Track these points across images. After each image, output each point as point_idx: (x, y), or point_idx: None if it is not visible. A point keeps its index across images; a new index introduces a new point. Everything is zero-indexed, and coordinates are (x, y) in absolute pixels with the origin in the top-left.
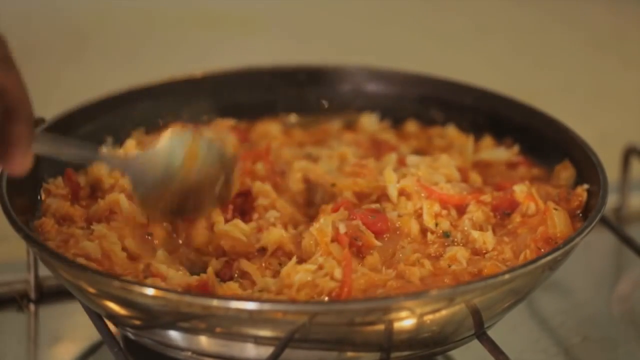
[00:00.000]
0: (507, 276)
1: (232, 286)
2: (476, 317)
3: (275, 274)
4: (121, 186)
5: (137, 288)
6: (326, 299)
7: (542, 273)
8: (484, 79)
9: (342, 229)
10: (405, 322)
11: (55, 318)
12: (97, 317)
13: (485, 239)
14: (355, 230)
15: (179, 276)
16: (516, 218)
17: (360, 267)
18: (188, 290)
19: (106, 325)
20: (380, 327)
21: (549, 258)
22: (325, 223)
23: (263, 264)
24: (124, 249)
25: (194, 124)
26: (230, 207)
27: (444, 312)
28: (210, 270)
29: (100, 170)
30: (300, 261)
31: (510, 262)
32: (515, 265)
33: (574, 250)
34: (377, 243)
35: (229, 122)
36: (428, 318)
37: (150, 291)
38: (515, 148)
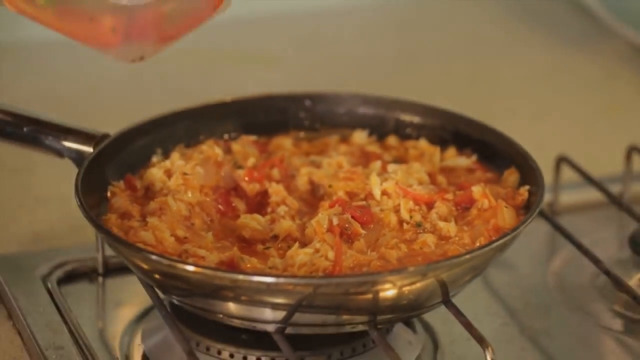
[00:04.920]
0: (468, 256)
1: (253, 261)
2: (443, 288)
3: (283, 256)
4: (168, 188)
5: (180, 265)
6: (321, 275)
7: (495, 254)
8: (449, 102)
9: (335, 221)
10: (388, 292)
11: (117, 288)
12: (150, 288)
13: (449, 228)
14: (345, 222)
15: (213, 255)
16: (473, 212)
17: (349, 251)
18: (219, 267)
19: (156, 294)
20: (369, 296)
21: (500, 242)
22: (322, 217)
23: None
24: (173, 235)
25: (224, 139)
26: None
27: (418, 285)
28: (235, 249)
29: (153, 175)
30: (304, 245)
31: (468, 246)
32: (473, 248)
33: (519, 236)
34: (363, 232)
35: (252, 137)
36: (406, 289)
37: (190, 268)
38: (473, 157)
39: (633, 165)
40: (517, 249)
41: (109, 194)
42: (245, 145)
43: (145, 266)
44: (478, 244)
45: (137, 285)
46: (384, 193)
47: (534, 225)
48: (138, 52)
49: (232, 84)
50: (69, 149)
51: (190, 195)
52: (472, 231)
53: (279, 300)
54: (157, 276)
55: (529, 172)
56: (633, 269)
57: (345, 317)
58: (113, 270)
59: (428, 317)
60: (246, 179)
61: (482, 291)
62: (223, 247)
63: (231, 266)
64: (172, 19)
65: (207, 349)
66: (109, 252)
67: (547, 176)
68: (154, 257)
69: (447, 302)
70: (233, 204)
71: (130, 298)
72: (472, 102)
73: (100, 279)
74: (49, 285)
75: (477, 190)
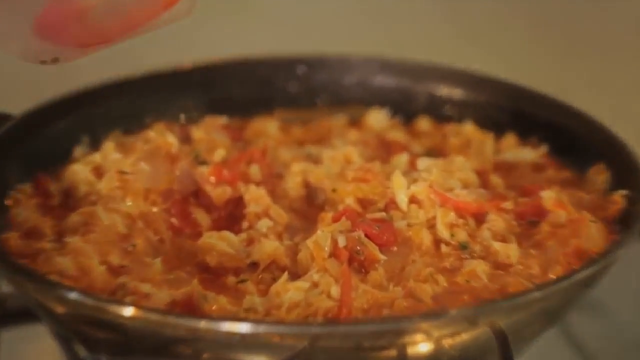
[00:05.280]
0: (537, 294)
1: (221, 300)
2: (502, 342)
3: (266, 292)
4: (97, 193)
5: (114, 307)
6: (321, 320)
7: (578, 291)
8: (505, 71)
9: (342, 242)
10: (420, 346)
11: (16, 342)
12: (65, 342)
13: (509, 251)
14: (356, 243)
15: (162, 293)
16: (544, 228)
17: (362, 285)
18: (171, 310)
19: (75, 351)
20: (393, 352)
21: (585, 273)
22: (323, 235)
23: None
24: (104, 263)
25: (180, 123)
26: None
27: (464, 336)
28: (195, 282)
29: (75, 174)
30: (296, 277)
31: (537, 279)
32: (546, 282)
33: (614, 265)
34: (382, 257)
35: (221, 119)
36: (447, 342)
37: (129, 311)
38: (543, 148)
39: None
40: (611, 283)
41: (9, 201)
42: (211, 131)
43: (60, 309)
44: (552, 276)
45: (47, 338)
46: (413, 200)
47: (635, 250)
48: (51, 52)
49: (194, 43)
50: None
51: (130, 203)
52: (543, 256)
53: (260, 358)
54: (78, 324)
55: (625, 170)
56: None
57: None
58: (11, 316)
59: None
60: (212, 179)
61: (561, 346)
62: (177, 279)
63: (189, 308)
64: (101, 15)
65: None
66: (7, 288)
67: None
68: (73, 295)
69: None
70: (193, 216)
71: (35, 357)
72: (540, 68)
73: None
74: None
75: (548, 196)
